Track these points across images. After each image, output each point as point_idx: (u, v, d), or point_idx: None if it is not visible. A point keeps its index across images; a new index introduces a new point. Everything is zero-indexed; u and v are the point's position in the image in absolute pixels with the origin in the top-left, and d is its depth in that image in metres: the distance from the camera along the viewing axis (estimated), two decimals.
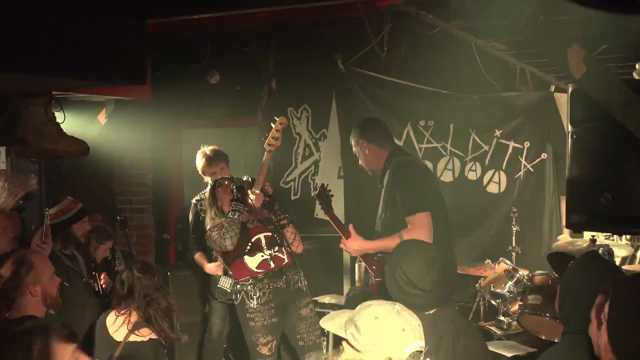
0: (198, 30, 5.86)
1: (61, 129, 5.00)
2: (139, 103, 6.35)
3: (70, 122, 5.44)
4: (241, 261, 4.71)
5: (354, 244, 4.43)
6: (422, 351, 2.25)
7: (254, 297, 4.64)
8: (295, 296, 4.75)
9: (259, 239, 4.75)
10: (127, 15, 3.93)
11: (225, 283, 5.40)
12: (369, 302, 2.41)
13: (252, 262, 4.70)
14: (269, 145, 4.84)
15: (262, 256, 4.70)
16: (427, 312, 2.77)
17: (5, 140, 5.11)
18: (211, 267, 5.46)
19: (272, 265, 4.70)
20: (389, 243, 4.09)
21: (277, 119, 4.85)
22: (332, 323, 2.43)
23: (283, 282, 4.70)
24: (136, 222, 6.92)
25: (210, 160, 5.51)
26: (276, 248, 4.74)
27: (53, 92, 4.95)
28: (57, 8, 3.55)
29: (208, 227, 4.80)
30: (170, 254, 7.18)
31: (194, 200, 5.66)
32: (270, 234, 4.77)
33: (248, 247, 4.71)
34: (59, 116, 5.03)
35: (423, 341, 2.27)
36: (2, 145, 5.86)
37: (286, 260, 4.75)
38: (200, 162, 5.56)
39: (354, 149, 4.65)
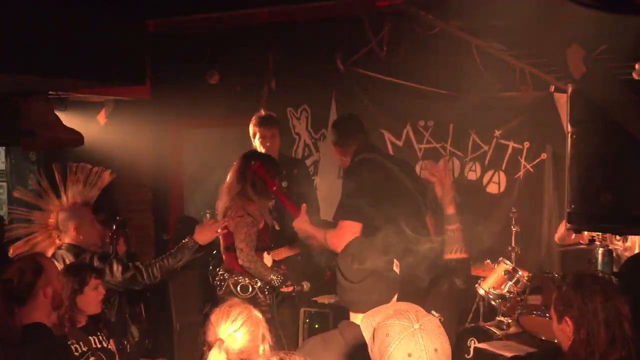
0: (198, 30, 5.86)
1: (60, 119, 5.04)
2: (138, 103, 6.36)
3: (70, 122, 5.44)
4: None
5: (298, 224, 4.38)
6: None
7: None
8: None
9: None
10: (127, 15, 3.94)
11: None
12: (400, 308, 2.03)
13: None
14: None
15: None
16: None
17: (13, 135, 5.12)
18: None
19: None
20: (318, 235, 4.19)
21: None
22: (368, 321, 2.09)
23: None
24: (136, 222, 6.91)
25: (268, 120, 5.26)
26: None
27: (53, 92, 4.98)
28: (57, 9, 3.56)
29: None
30: None
31: None
32: None
33: None
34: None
35: None
36: (11, 141, 5.82)
37: None
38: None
39: None
